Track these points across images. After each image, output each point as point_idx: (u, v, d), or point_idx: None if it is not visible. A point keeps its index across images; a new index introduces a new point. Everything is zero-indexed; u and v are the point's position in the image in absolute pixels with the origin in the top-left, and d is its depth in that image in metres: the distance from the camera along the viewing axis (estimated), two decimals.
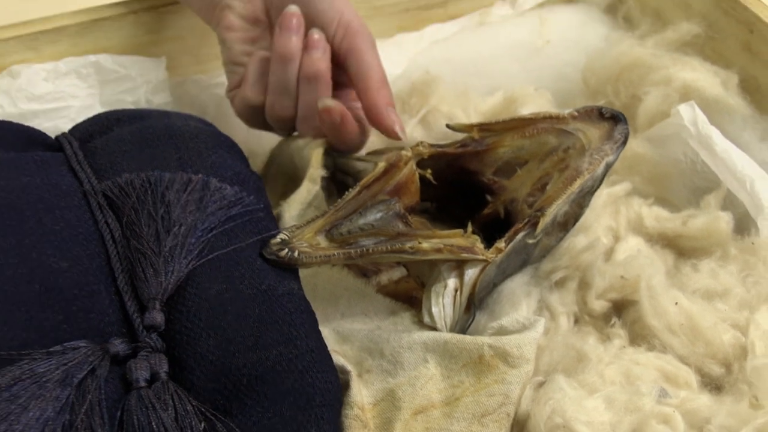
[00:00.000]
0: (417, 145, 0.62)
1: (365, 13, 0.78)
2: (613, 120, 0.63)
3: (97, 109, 0.69)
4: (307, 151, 0.63)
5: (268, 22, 0.69)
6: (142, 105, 0.71)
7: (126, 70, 0.71)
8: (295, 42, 0.66)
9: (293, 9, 0.67)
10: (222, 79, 0.74)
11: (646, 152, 0.71)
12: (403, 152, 0.61)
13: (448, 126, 0.64)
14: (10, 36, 0.70)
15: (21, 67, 0.69)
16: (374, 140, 0.70)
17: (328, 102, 0.64)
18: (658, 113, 0.73)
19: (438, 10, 0.82)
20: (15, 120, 0.66)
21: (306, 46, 0.66)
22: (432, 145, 0.63)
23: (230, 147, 0.63)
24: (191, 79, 0.74)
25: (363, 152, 0.67)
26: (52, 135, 0.64)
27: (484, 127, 0.63)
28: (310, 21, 0.67)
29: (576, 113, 0.63)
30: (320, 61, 0.66)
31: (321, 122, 0.65)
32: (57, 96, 0.69)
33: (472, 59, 0.78)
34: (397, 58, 0.77)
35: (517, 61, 0.78)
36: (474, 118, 0.72)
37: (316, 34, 0.66)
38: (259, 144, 0.70)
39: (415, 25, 0.82)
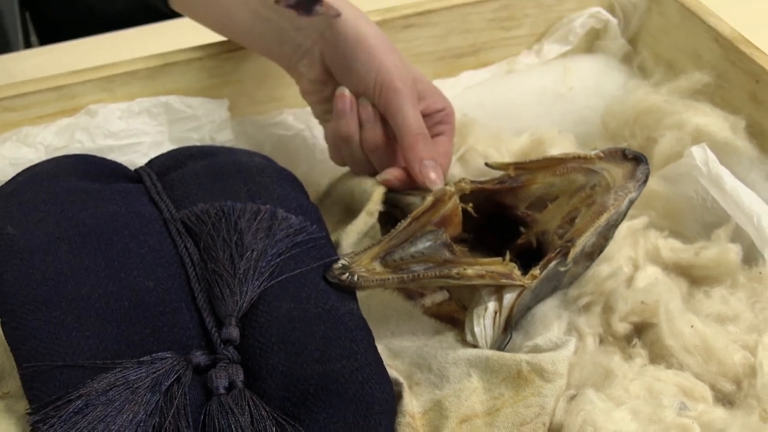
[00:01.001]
0: (459, 181, 0.68)
1: None
2: (636, 160, 0.69)
3: (166, 146, 0.75)
4: (370, 187, 0.69)
5: (334, 79, 0.73)
6: (207, 142, 0.76)
7: (192, 110, 0.76)
8: (348, 123, 0.71)
9: (341, 91, 0.72)
10: (277, 120, 0.80)
11: (662, 189, 0.76)
12: (448, 188, 0.67)
13: (487, 164, 0.70)
14: (88, 79, 0.75)
15: (98, 106, 0.75)
16: None
17: (386, 175, 0.70)
18: (672, 154, 0.77)
19: (470, 58, 0.88)
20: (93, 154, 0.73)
21: (360, 121, 0.71)
22: (473, 182, 0.69)
23: (292, 180, 0.69)
24: (249, 118, 0.80)
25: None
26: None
27: (518, 166, 0.70)
28: (353, 81, 0.72)
29: (602, 154, 0.69)
30: (373, 135, 0.71)
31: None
32: (130, 133, 0.74)
33: (502, 103, 0.83)
34: None
35: (542, 105, 0.83)
36: (506, 157, 0.77)
37: (364, 111, 0.71)
38: (309, 178, 0.76)
39: (450, 71, 0.87)
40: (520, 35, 0.90)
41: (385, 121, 0.72)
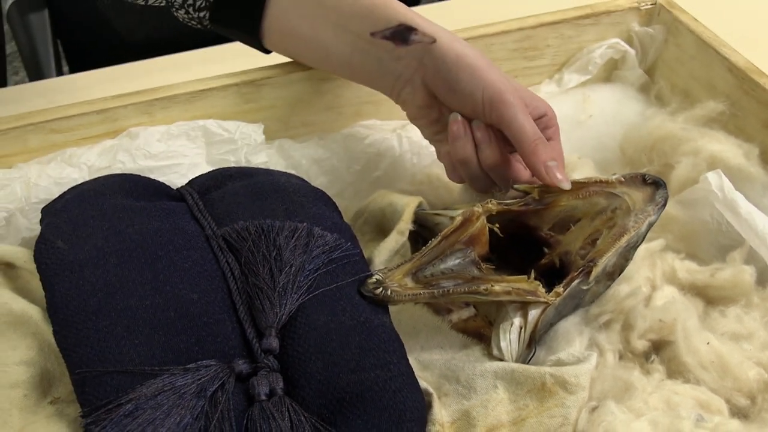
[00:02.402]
0: (487, 203, 0.71)
1: None
2: (655, 185, 0.72)
3: (204, 167, 0.78)
4: (400, 206, 0.72)
5: (439, 101, 0.76)
6: (242, 164, 0.79)
7: (229, 133, 0.79)
8: (465, 146, 0.74)
9: (454, 117, 0.74)
10: (309, 143, 0.83)
11: (678, 214, 0.78)
12: (476, 209, 0.70)
13: (513, 187, 0.74)
14: (129, 103, 0.79)
15: (139, 129, 0.78)
16: (445, 196, 0.79)
17: (519, 187, 0.73)
18: (688, 180, 0.80)
19: None
20: None
21: (476, 142, 0.74)
22: (499, 203, 0.72)
23: (326, 200, 0.72)
24: (283, 142, 0.83)
25: (439, 208, 0.76)
26: None
27: (543, 189, 0.73)
28: (460, 102, 0.74)
29: (622, 178, 0.72)
30: (491, 153, 0.73)
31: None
32: (169, 155, 0.77)
33: None
34: None
35: (563, 132, 0.84)
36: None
37: (479, 132, 0.73)
38: (340, 199, 0.79)
39: None
40: (542, 65, 0.93)
41: (498, 137, 0.74)
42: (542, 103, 0.76)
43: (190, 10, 0.79)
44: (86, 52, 1.37)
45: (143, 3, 0.82)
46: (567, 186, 0.71)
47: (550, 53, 0.92)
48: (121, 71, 1.00)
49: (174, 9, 0.80)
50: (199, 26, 0.81)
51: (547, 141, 0.74)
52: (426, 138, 0.79)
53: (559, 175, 0.71)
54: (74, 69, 1.39)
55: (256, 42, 0.80)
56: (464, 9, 1.12)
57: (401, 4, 0.76)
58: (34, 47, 1.26)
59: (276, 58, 0.83)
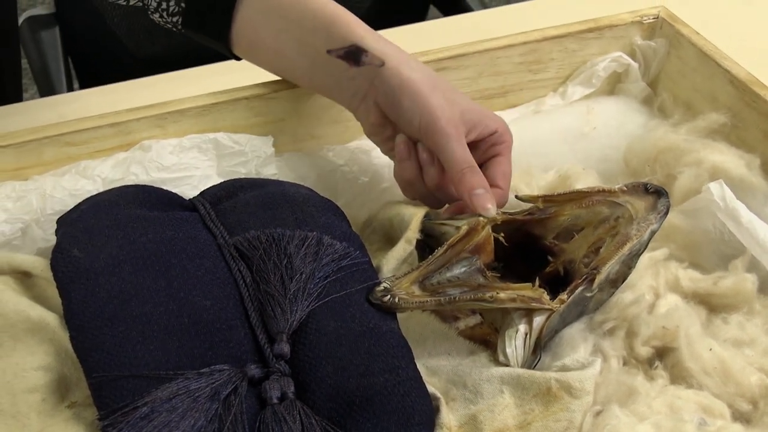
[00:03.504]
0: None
1: None
2: (657, 194, 0.73)
3: (215, 179, 0.80)
4: (407, 216, 0.74)
5: (389, 122, 0.78)
6: (253, 176, 0.81)
7: (239, 146, 0.81)
8: (409, 168, 0.76)
9: (400, 139, 0.76)
10: (318, 155, 0.85)
11: (681, 223, 0.79)
12: (481, 218, 0.72)
13: (517, 197, 0.75)
14: (142, 116, 0.80)
15: (151, 142, 0.80)
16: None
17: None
18: (691, 190, 0.81)
19: (500, 99, 0.93)
20: None
21: (420, 163, 0.76)
22: (504, 213, 0.73)
23: (335, 210, 0.74)
24: (292, 154, 0.84)
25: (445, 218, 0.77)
26: None
27: (547, 199, 0.74)
28: (403, 126, 0.76)
29: (625, 188, 0.74)
30: (434, 175, 0.75)
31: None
32: (181, 167, 0.79)
33: (530, 142, 0.86)
34: None
35: (567, 144, 0.87)
36: (535, 191, 0.81)
37: (423, 154, 0.75)
38: (348, 209, 0.81)
39: None
40: (547, 78, 0.94)
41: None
42: (493, 121, 0.77)
43: (164, 14, 0.82)
44: (96, 68, 1.39)
45: (125, 3, 0.83)
46: (491, 214, 0.72)
47: (555, 66, 0.94)
48: (132, 86, 1.02)
49: (150, 12, 0.82)
50: (175, 30, 0.83)
51: (494, 159, 0.77)
52: (384, 153, 0.81)
53: (485, 203, 0.72)
54: (84, 85, 1.41)
55: (226, 49, 0.82)
56: (469, 23, 1.14)
57: (360, 23, 0.78)
58: (46, 64, 1.28)
59: None
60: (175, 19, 0.82)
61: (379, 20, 1.45)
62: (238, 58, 0.83)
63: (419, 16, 1.48)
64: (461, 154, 0.73)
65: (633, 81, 0.96)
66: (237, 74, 0.86)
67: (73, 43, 1.36)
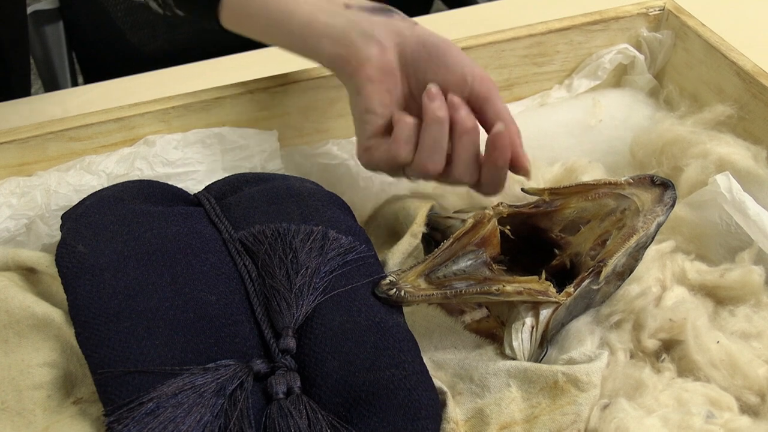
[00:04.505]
0: (498, 205, 0.72)
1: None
2: (663, 186, 0.73)
3: (220, 174, 0.79)
4: (413, 210, 0.73)
5: (400, 76, 0.75)
6: (258, 170, 0.80)
7: (244, 140, 0.81)
8: (444, 107, 0.72)
9: (433, 85, 0.73)
10: (322, 150, 0.85)
11: (687, 215, 0.79)
12: (487, 211, 0.71)
13: (523, 190, 0.75)
14: (146, 111, 0.80)
15: (155, 137, 0.80)
16: (456, 201, 0.80)
17: (500, 126, 0.71)
18: (698, 182, 0.81)
19: (505, 92, 0.92)
20: None
21: (452, 107, 0.72)
22: (510, 206, 0.73)
23: (340, 204, 0.73)
24: (296, 149, 0.84)
25: (450, 212, 0.77)
26: None
27: (553, 192, 0.74)
28: (445, 75, 0.73)
29: (631, 180, 0.73)
30: (470, 117, 0.72)
31: (492, 149, 0.72)
32: (186, 162, 0.79)
33: (535, 135, 0.86)
34: None
35: (573, 136, 0.86)
36: (541, 184, 0.81)
37: (456, 98, 0.72)
38: (353, 204, 0.80)
39: None
40: (552, 71, 0.94)
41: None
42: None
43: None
44: (100, 63, 1.39)
45: None
46: (529, 176, 0.74)
47: (560, 59, 0.93)
48: (136, 81, 1.02)
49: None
50: (169, 14, 0.82)
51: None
52: (365, 107, 0.75)
53: (528, 160, 0.74)
54: (89, 80, 1.41)
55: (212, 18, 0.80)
56: (474, 16, 1.13)
57: None
58: (50, 59, 1.28)
59: (288, 67, 0.85)
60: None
61: None
62: (212, 51, 0.82)
63: (424, 8, 1.48)
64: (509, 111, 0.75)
65: (639, 73, 0.95)
66: (241, 69, 0.86)
67: (77, 37, 1.35)
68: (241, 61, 1.02)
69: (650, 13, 0.95)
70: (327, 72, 0.85)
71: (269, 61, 0.94)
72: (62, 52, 1.31)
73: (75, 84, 1.34)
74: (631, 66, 0.96)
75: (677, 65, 0.95)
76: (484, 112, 0.74)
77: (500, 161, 0.72)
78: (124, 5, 1.34)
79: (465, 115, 0.72)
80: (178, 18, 1.41)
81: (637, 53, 0.95)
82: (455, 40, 0.88)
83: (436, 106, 0.71)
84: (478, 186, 0.75)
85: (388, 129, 0.74)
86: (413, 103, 0.75)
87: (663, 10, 0.95)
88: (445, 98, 0.72)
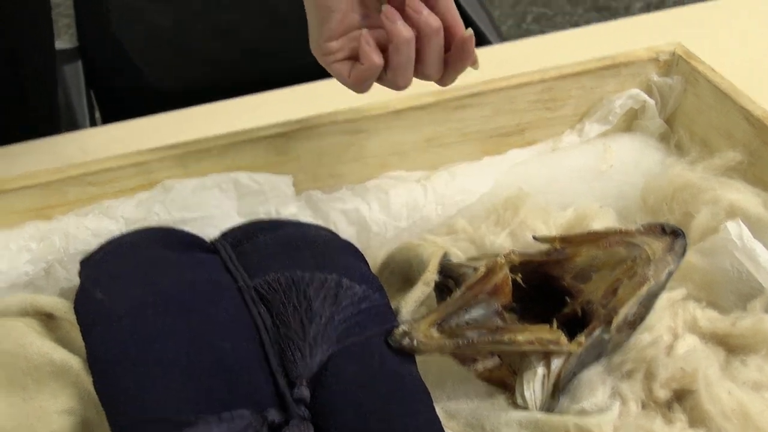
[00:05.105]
0: (509, 253, 0.73)
1: (456, 139, 0.90)
2: (674, 235, 0.74)
3: (235, 218, 0.81)
4: (426, 257, 0.74)
5: None
6: (272, 215, 0.82)
7: (259, 185, 0.82)
8: (406, 26, 0.71)
9: (387, 6, 0.72)
10: (336, 195, 0.86)
11: (698, 262, 0.79)
12: (499, 259, 0.72)
13: (535, 238, 0.76)
14: (164, 155, 0.81)
15: (173, 181, 0.81)
16: (468, 247, 0.81)
17: (469, 31, 0.72)
18: (708, 228, 0.81)
19: (517, 137, 0.93)
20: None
21: (414, 11, 0.71)
22: (521, 254, 0.74)
23: (354, 252, 0.74)
24: (311, 193, 0.85)
25: (463, 259, 0.78)
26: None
27: (564, 240, 0.75)
28: None
29: (642, 229, 0.74)
30: (432, 17, 0.71)
31: (461, 51, 0.72)
32: (202, 206, 0.79)
33: (547, 179, 0.87)
34: (484, 177, 0.87)
35: (585, 181, 0.87)
36: (553, 230, 0.82)
37: (414, 1, 0.71)
38: (367, 249, 0.81)
39: (498, 149, 0.92)
40: (563, 115, 0.95)
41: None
42: None
43: None
44: (119, 100, 1.41)
45: None
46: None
47: (572, 104, 0.94)
48: (154, 122, 1.03)
49: None
50: None
51: None
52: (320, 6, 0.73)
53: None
54: (107, 117, 1.43)
55: None
56: (487, 57, 1.14)
57: None
58: (69, 97, 1.29)
59: (303, 111, 0.86)
60: None
61: None
62: (230, 90, 0.82)
63: None
64: None
65: (650, 118, 0.96)
66: (258, 109, 0.88)
67: (96, 75, 1.37)
68: (256, 101, 1.03)
69: (661, 59, 0.96)
70: (341, 117, 0.86)
71: (283, 102, 0.96)
72: (81, 90, 1.33)
73: (93, 120, 1.35)
74: (642, 111, 0.97)
75: (688, 110, 0.96)
76: (435, 1, 0.72)
77: (468, 61, 0.74)
78: (141, 41, 1.36)
79: (427, 15, 0.71)
80: (195, 53, 1.43)
81: (648, 98, 0.96)
82: (469, 86, 0.89)
83: (399, 26, 0.71)
84: (441, 81, 0.76)
85: (345, 28, 0.74)
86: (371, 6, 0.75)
87: (673, 55, 0.96)
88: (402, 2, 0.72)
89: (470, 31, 0.73)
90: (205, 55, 1.45)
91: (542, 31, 2.75)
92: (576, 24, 2.78)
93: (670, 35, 1.02)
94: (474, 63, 0.75)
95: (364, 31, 0.73)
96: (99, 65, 1.37)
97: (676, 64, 0.96)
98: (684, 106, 0.97)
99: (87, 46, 1.36)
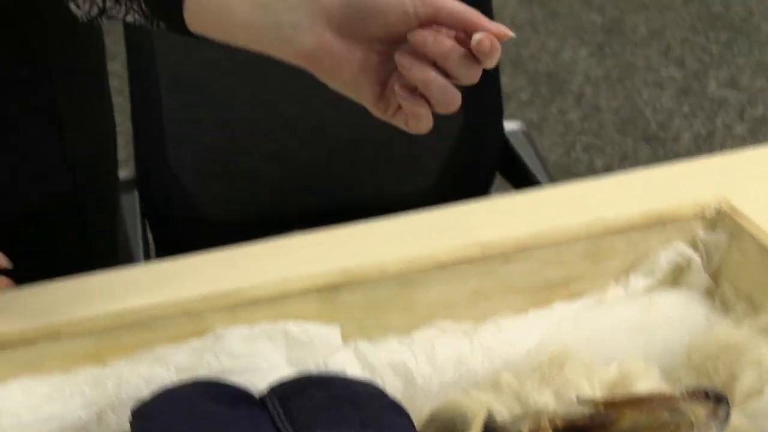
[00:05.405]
0: (553, 417, 0.74)
1: (503, 292, 0.92)
2: (717, 400, 0.74)
3: (284, 368, 0.82)
4: (470, 416, 0.75)
5: (348, 42, 0.72)
6: (321, 367, 0.83)
7: (307, 336, 0.83)
8: (424, 66, 0.70)
9: (398, 54, 0.71)
10: (383, 346, 0.87)
11: (742, 424, 0.78)
12: (543, 423, 0.73)
13: (578, 400, 0.76)
14: (215, 305, 0.84)
15: (223, 330, 0.83)
16: (515, 405, 0.82)
17: (478, 35, 0.69)
18: (753, 390, 0.81)
19: (562, 289, 0.94)
20: (218, 375, 0.81)
21: (420, 46, 0.70)
22: (565, 416, 0.74)
23: (398, 409, 0.75)
24: (357, 344, 0.87)
25: (506, 417, 0.79)
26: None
27: (608, 403, 0.75)
28: (384, 24, 0.70)
29: (685, 393, 0.75)
30: (439, 42, 0.69)
31: (481, 54, 0.69)
32: (252, 356, 0.81)
33: (592, 334, 0.88)
34: (531, 330, 0.89)
35: (629, 336, 0.87)
36: (597, 387, 0.82)
37: (417, 36, 0.69)
38: (412, 404, 0.82)
39: (544, 302, 0.93)
40: (609, 269, 0.96)
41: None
42: None
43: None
44: (172, 228, 1.45)
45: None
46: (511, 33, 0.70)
47: (618, 257, 0.96)
48: (207, 259, 1.05)
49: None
50: (144, 21, 0.81)
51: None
52: (345, 89, 0.74)
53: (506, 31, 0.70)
54: (160, 245, 1.47)
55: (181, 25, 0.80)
56: (532, 202, 1.16)
57: None
58: (124, 229, 1.34)
59: (352, 261, 0.88)
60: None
61: (445, 186, 1.50)
62: (189, 34, 0.80)
63: (484, 184, 1.52)
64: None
65: (695, 273, 0.97)
66: (309, 250, 0.90)
67: (151, 205, 1.42)
68: (307, 242, 1.06)
69: (706, 215, 0.97)
70: (389, 268, 0.88)
71: (334, 244, 0.98)
72: (136, 222, 1.37)
73: (147, 250, 1.39)
74: (687, 266, 0.98)
75: (733, 266, 0.97)
76: (440, 21, 0.71)
77: (493, 59, 0.70)
78: (192, 171, 1.41)
79: (433, 43, 0.70)
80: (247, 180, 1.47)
81: (693, 254, 0.97)
82: (516, 240, 0.91)
83: (416, 72, 0.70)
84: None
85: (381, 82, 0.74)
86: (380, 47, 0.73)
87: (718, 211, 0.97)
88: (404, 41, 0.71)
89: (476, 37, 0.69)
90: (257, 182, 1.49)
91: (591, 161, 2.78)
92: (625, 155, 2.80)
93: (718, 181, 1.04)
94: (497, 42, 0.70)
95: (396, 87, 0.72)
96: (154, 195, 1.42)
97: (721, 219, 0.98)
98: (729, 262, 0.97)
99: (143, 176, 1.41)
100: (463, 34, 0.70)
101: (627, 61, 3.22)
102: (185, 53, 1.43)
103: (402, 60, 0.71)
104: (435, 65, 0.70)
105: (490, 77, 1.45)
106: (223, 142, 1.48)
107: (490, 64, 0.71)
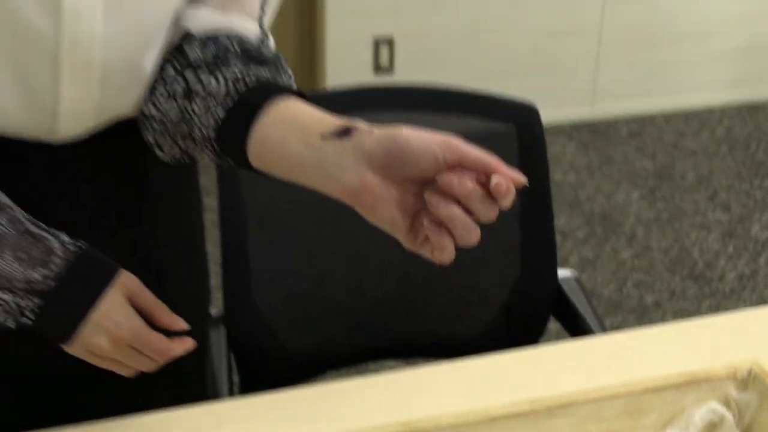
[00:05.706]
0: None
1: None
2: None
3: None
4: None
5: (385, 182, 0.81)
6: None
7: None
8: (450, 204, 0.79)
9: (427, 193, 0.80)
10: None
11: None
12: None
13: None
14: None
15: None
16: None
17: (495, 179, 0.78)
18: None
19: None
20: None
21: (446, 188, 0.79)
22: None
23: None
24: None
25: None
26: None
27: None
28: (415, 166, 0.80)
29: None
30: (462, 184, 0.79)
31: (499, 197, 0.78)
32: None
33: None
34: None
35: None
36: None
37: (444, 179, 0.79)
38: None
39: None
40: (646, 425, 1.04)
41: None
42: None
43: (203, 130, 0.94)
44: (255, 362, 1.55)
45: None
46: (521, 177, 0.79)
47: (655, 414, 1.04)
48: (290, 397, 1.15)
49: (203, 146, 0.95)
50: (209, 148, 0.95)
51: None
52: (386, 226, 0.83)
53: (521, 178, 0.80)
54: (243, 378, 1.57)
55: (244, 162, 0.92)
56: (583, 352, 1.26)
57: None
58: (211, 363, 1.44)
59: (418, 397, 0.98)
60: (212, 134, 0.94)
61: (500, 328, 1.60)
62: (253, 169, 0.92)
63: (539, 327, 1.62)
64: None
65: (728, 430, 1.05)
66: (388, 391, 1.02)
67: (235, 341, 1.53)
68: (372, 383, 1.15)
69: (738, 376, 1.06)
70: (444, 422, 0.97)
71: (397, 387, 1.08)
72: (221, 357, 1.48)
73: (230, 382, 1.49)
74: (720, 423, 1.06)
75: (763, 423, 1.04)
76: (465, 165, 0.80)
77: (508, 199, 0.79)
78: (278, 308, 1.52)
79: (458, 185, 0.79)
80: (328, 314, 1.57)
81: (726, 412, 1.05)
82: (560, 397, 1.00)
83: (443, 208, 0.79)
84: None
85: (412, 216, 0.83)
86: (413, 187, 0.82)
87: (750, 372, 1.06)
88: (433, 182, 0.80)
89: (494, 180, 0.78)
90: (336, 317, 1.59)
91: (641, 297, 2.89)
92: (673, 292, 2.91)
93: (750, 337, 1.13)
94: (512, 186, 0.79)
95: (425, 221, 0.81)
96: (240, 331, 1.53)
97: (752, 380, 1.06)
98: (760, 419, 1.05)
99: (231, 314, 1.52)
100: (484, 176, 0.79)
101: (676, 205, 3.38)
102: (270, 193, 1.54)
103: (431, 199, 0.80)
104: (459, 203, 0.80)
105: (545, 229, 1.57)
106: (303, 280, 1.57)
107: (506, 204, 0.80)
